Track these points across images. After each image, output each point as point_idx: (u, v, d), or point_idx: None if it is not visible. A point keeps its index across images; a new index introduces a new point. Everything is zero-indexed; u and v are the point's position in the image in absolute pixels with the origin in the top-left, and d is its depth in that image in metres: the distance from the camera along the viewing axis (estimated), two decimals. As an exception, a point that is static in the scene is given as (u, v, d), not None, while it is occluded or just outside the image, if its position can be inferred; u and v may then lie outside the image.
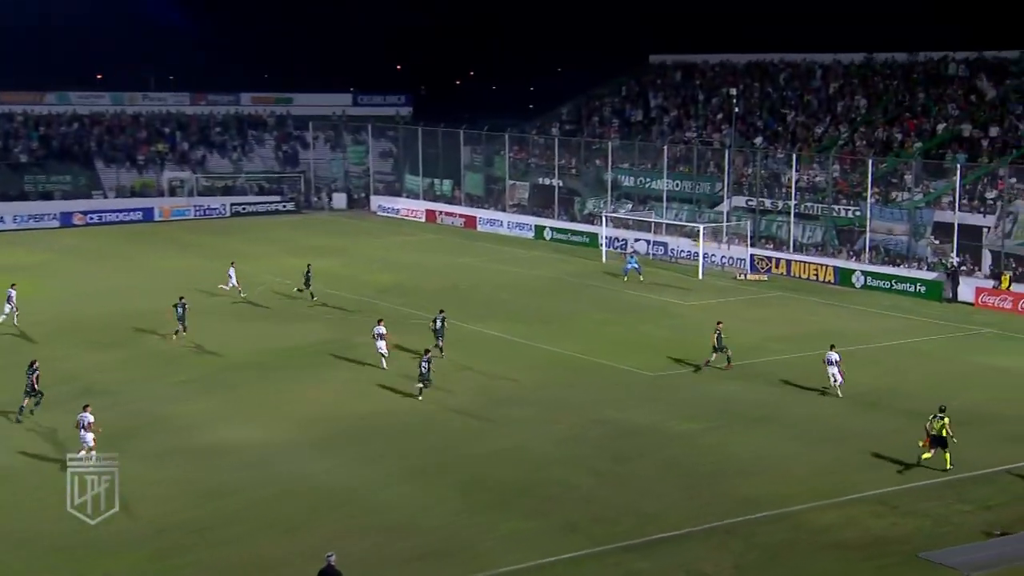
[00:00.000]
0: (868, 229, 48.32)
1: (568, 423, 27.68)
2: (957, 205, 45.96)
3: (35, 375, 26.92)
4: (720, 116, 63.93)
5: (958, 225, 45.16)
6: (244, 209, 71.79)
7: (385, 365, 32.00)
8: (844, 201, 51.52)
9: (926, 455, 24.36)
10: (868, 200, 48.78)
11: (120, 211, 68.16)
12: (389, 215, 72.24)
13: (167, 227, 65.91)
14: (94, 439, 22.92)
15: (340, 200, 76.58)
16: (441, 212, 69.35)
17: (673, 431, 27.08)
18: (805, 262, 49.14)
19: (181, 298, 36.25)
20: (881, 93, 59.07)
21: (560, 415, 28.34)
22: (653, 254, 54.50)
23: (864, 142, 54.90)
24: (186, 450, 25.62)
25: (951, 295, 43.83)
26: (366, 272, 49.50)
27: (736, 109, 59.26)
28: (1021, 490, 23.14)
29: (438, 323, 33.97)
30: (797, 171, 53.05)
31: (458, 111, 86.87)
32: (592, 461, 24.95)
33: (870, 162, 49.44)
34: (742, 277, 49.26)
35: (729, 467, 24.61)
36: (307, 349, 35.19)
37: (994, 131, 51.67)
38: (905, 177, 50.25)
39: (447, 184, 71.89)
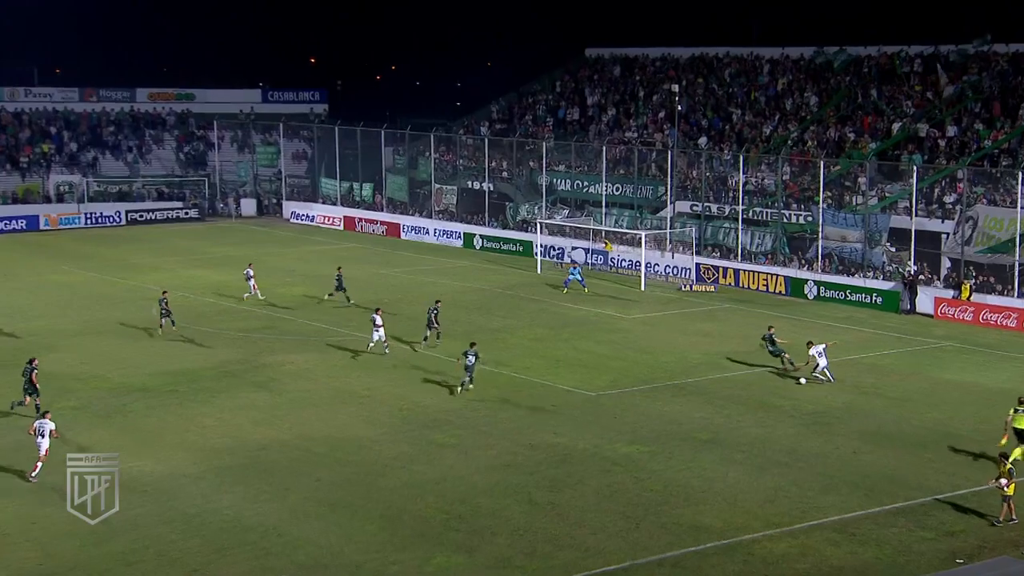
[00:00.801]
0: (820, 236, 48.98)
1: (499, 448, 27.56)
2: (914, 210, 46.82)
3: (34, 372, 29.50)
4: (662, 114, 64.48)
5: (915, 231, 45.99)
6: (142, 216, 70.65)
7: (387, 351, 36.23)
8: (795, 206, 52.17)
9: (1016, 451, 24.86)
10: (820, 205, 49.47)
11: (1, 219, 66.54)
12: (303, 222, 71.57)
13: (55, 237, 64.63)
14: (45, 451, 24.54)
15: (249, 206, 75.75)
16: (361, 219, 68.91)
17: (615, 455, 27.06)
18: (754, 271, 49.64)
19: (164, 292, 40.80)
20: (832, 90, 60.06)
21: (491, 440, 28.22)
22: (592, 263, 54.66)
23: (815, 142, 55.72)
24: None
25: (909, 306, 44.57)
26: (278, 285, 48.91)
27: (679, 107, 59.87)
28: (984, 515, 23.47)
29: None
30: (745, 174, 53.64)
31: (379, 108, 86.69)
32: (526, 489, 24.81)
33: (821, 164, 50.18)
34: (687, 288, 49.61)
35: (675, 494, 24.63)
36: (208, 371, 34.73)
37: (952, 130, 52.79)
38: (859, 180, 51.07)
39: (367, 188, 71.50)
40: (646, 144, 61.73)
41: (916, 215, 46.68)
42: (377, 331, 36.23)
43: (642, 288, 49.52)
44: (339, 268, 45.47)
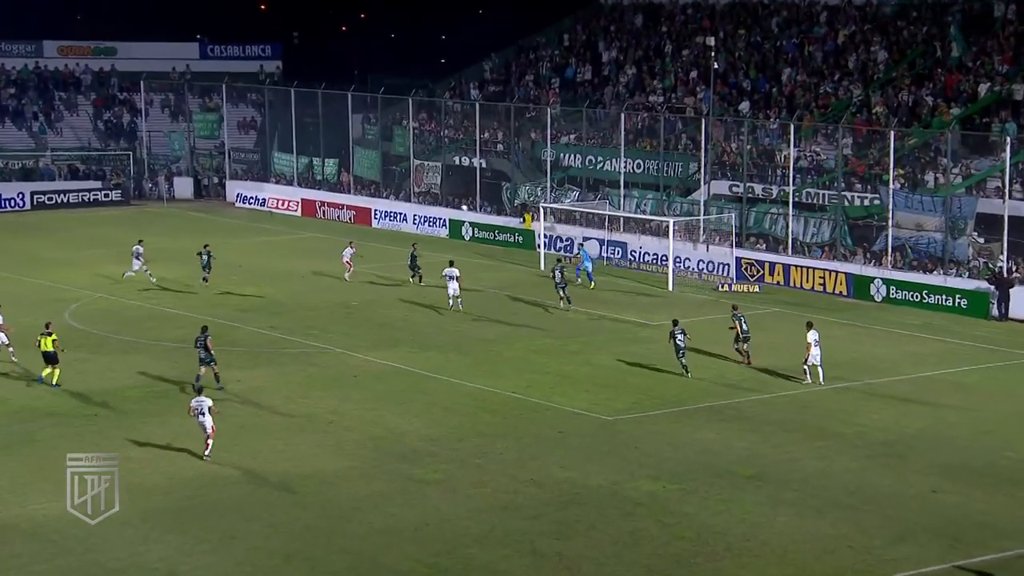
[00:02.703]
0: (891, 224, 48.99)
1: (495, 486, 27.50)
2: (1007, 191, 46.84)
3: (208, 339, 34.15)
4: (695, 74, 64.50)
5: (1009, 217, 45.99)
6: (50, 199, 70.73)
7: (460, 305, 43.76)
8: (859, 187, 52.19)
9: None
10: (890, 185, 49.48)
11: None
12: (252, 207, 71.58)
13: (-57, 224, 64.65)
14: None
15: (184, 187, 75.84)
16: (323, 203, 68.92)
17: (636, 495, 27.03)
18: (808, 268, 49.64)
19: (205, 246, 48.35)
20: (906, 43, 60.10)
21: (484, 475, 28.16)
22: (608, 258, 54.66)
23: (884, 108, 55.77)
24: (-34, 532, 24.91)
25: (1001, 311, 44.60)
26: (220, 284, 48.88)
27: (715, 65, 59.86)
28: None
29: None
30: (796, 147, 53.63)
31: (344, 67, 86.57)
32: (528, 537, 24.77)
33: (892, 135, 50.20)
34: (725, 288, 49.62)
35: (711, 543, 24.57)
36: (134, 391, 34.68)
37: (1054, 92, 52.79)
38: (939, 154, 51.11)
39: (331, 165, 71.56)
40: (674, 111, 61.74)
41: (1010, 198, 46.68)
42: (452, 282, 44.03)
43: (670, 288, 49.51)
44: (414, 244, 50.95)
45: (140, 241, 49.69)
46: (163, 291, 47.50)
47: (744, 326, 37.59)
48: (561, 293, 44.93)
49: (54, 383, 34.77)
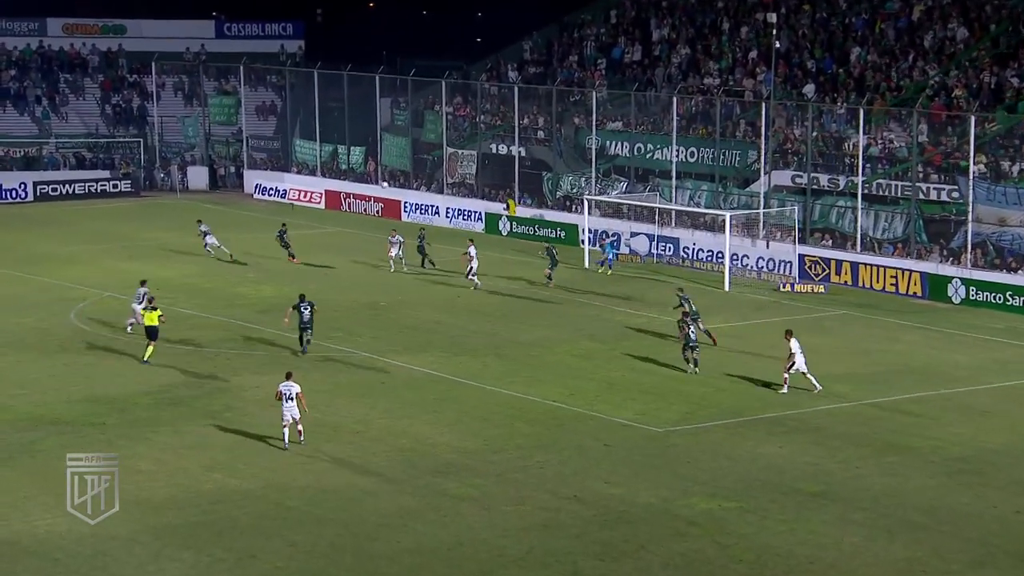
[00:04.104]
0: (971, 218, 48.74)
1: (534, 503, 27.50)
2: (1098, 182, 46.53)
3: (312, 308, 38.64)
4: (754, 54, 64.32)
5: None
6: (55, 190, 71.27)
7: (477, 283, 47.95)
8: (935, 177, 51.93)
9: None
10: (970, 176, 49.24)
11: None
12: (272, 198, 71.86)
13: (-61, 217, 65.26)
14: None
15: (199, 177, 76.20)
16: (349, 195, 69.15)
17: (689, 513, 27.01)
18: (879, 266, 49.51)
19: (283, 224, 54.79)
20: (988, 19, 59.72)
21: (522, 491, 28.16)
22: (658, 254, 54.60)
23: (964, 91, 55.46)
24: (-36, 549, 25.17)
25: (1090, 313, 44.31)
26: (238, 283, 49.15)
27: (777, 44, 59.67)
28: None
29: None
30: (866, 134, 53.42)
31: (372, 47, 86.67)
32: (570, 558, 24.76)
33: (972, 120, 49.94)
34: (787, 288, 49.50)
35: (772, 566, 24.52)
36: (145, 398, 34.82)
37: None
38: None
39: (357, 154, 71.75)
40: (732, 94, 61.59)
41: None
42: (471, 263, 47.82)
43: (726, 288, 49.47)
44: (422, 229, 54.23)
45: (200, 221, 54.23)
46: (193, 287, 47.59)
47: (692, 307, 39.40)
48: (549, 271, 48.79)
49: (144, 358, 37.43)
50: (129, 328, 41.00)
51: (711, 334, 39.86)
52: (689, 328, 37.26)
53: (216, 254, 53.12)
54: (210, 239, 53.24)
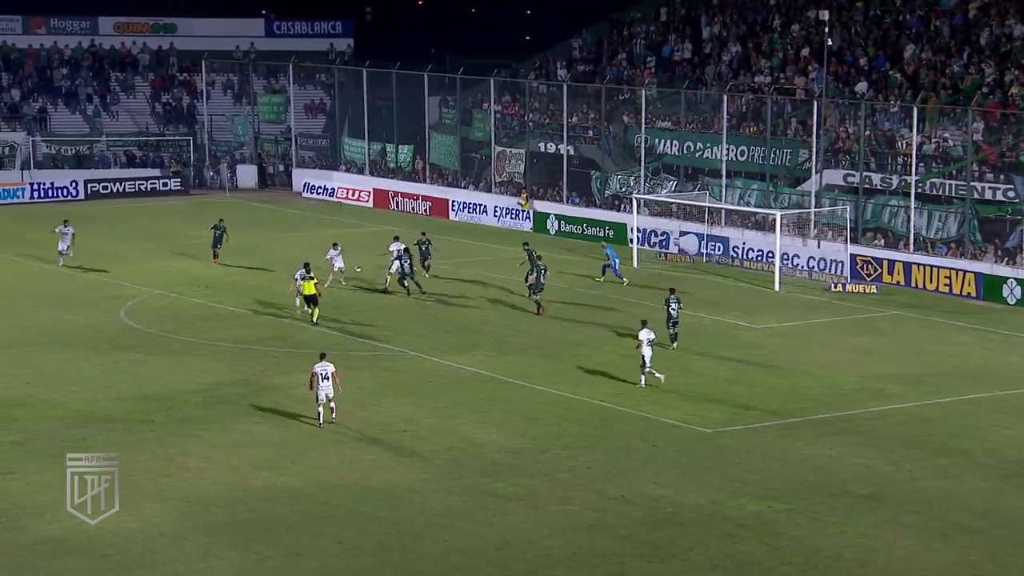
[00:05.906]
0: (1025, 217, 48.47)
1: (581, 503, 27.53)
2: None
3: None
4: (806, 52, 64.00)
5: None
6: (105, 188, 71.77)
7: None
8: (991, 176, 51.55)
9: None
10: (1026, 175, 48.92)
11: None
12: (320, 197, 72.11)
13: (-9, 215, 65.83)
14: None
15: (248, 175, 76.57)
16: (397, 193, 69.28)
17: (738, 514, 26.96)
18: (932, 266, 49.21)
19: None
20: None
21: (570, 491, 28.20)
22: (708, 254, 54.45)
23: (1021, 88, 55.02)
24: (14, 546, 25.36)
25: None
26: (285, 282, 49.29)
27: (829, 41, 59.32)
28: None
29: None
30: (920, 132, 53.09)
31: (420, 45, 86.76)
32: (618, 559, 24.77)
33: (1028, 119, 49.57)
34: (839, 288, 49.28)
35: (822, 569, 24.43)
36: (194, 396, 35.06)
37: None
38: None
39: (405, 152, 71.88)
40: (783, 92, 61.32)
41: None
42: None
43: (776, 288, 49.28)
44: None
45: (335, 244, 49.06)
46: (238, 284, 47.82)
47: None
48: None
49: (315, 320, 41.66)
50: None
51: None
52: (669, 307, 39.20)
53: (337, 277, 48.49)
54: (338, 262, 48.48)
